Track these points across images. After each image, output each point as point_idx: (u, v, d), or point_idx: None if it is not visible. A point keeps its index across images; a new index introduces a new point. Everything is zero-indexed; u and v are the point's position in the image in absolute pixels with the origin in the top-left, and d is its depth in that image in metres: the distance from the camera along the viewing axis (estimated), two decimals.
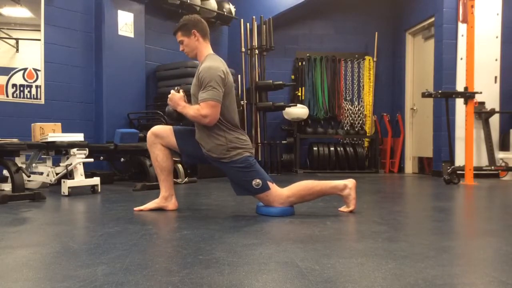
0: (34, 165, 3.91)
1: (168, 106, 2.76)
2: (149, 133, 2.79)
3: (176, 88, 2.77)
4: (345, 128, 6.99)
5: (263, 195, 2.61)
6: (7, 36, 4.59)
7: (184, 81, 5.37)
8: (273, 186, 2.62)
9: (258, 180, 2.58)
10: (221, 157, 2.63)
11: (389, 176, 6.18)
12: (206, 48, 2.78)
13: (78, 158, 3.68)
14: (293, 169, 6.64)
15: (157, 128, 2.80)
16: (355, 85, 7.14)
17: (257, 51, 6.45)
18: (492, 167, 5.15)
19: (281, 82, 6.34)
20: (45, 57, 4.70)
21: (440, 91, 5.13)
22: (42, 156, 3.91)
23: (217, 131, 2.63)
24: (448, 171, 4.72)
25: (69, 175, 3.65)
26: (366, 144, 7.06)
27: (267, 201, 2.63)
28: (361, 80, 7.13)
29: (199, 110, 2.58)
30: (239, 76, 6.29)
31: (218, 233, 2.11)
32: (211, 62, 2.66)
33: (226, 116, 2.66)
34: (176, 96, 2.70)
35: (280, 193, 2.62)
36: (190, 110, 2.64)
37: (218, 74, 2.59)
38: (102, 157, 4.60)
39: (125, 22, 5.21)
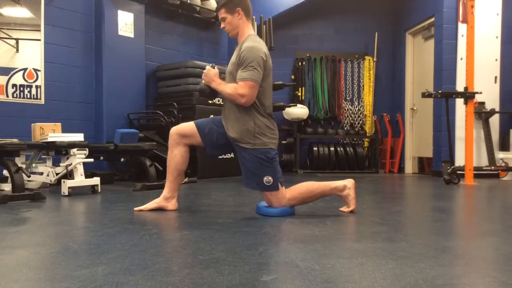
0: (34, 165, 3.91)
1: (202, 82, 2.70)
2: (173, 132, 2.73)
3: (211, 64, 2.73)
4: (345, 128, 6.99)
5: (269, 194, 2.61)
6: (7, 36, 4.59)
7: (184, 81, 5.38)
8: (281, 189, 2.62)
9: (270, 178, 2.56)
10: (244, 142, 2.59)
11: (389, 176, 6.17)
12: (248, 28, 2.73)
13: (78, 158, 3.68)
14: (293, 169, 6.64)
15: (182, 127, 2.74)
16: (355, 85, 7.14)
17: None
18: (492, 167, 5.14)
19: (281, 82, 6.30)
20: (45, 57, 4.70)
21: (440, 91, 5.13)
22: (42, 156, 3.91)
23: (248, 113, 2.59)
24: (448, 171, 4.72)
25: (69, 175, 3.65)
26: (366, 144, 7.07)
27: (269, 200, 2.63)
28: (361, 80, 7.13)
29: (237, 88, 2.54)
30: None
31: (218, 233, 2.11)
32: (254, 43, 2.61)
33: (261, 100, 2.61)
34: (211, 72, 2.66)
35: (283, 195, 2.62)
36: (227, 88, 2.60)
37: (260, 55, 2.55)
38: (102, 157, 4.59)
39: (125, 22, 5.21)
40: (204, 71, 2.69)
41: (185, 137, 2.71)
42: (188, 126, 2.74)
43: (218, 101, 5.51)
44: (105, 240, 1.93)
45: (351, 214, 2.68)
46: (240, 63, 2.56)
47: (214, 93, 2.69)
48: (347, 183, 2.69)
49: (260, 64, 2.54)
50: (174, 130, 2.74)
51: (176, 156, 2.71)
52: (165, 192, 2.79)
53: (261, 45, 2.63)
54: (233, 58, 2.67)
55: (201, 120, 2.79)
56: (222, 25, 2.75)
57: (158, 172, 4.30)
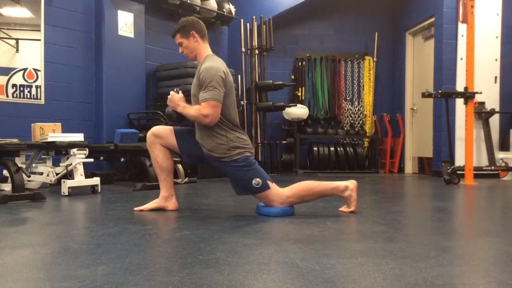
0: (34, 165, 3.91)
1: (168, 107, 2.77)
2: (149, 134, 2.80)
3: (175, 89, 2.79)
4: (345, 128, 6.99)
5: (263, 194, 2.61)
6: (7, 36, 4.59)
7: (184, 81, 5.37)
8: (273, 186, 2.63)
9: (258, 179, 2.60)
10: (221, 157, 2.63)
11: (389, 176, 6.17)
12: (205, 49, 2.81)
13: (78, 158, 3.68)
14: (293, 169, 6.64)
15: (157, 129, 2.81)
16: (355, 85, 7.14)
17: (257, 51, 6.45)
18: (492, 167, 5.14)
19: (281, 82, 6.34)
20: (45, 57, 4.70)
21: (440, 91, 5.13)
22: (42, 156, 3.91)
23: (218, 130, 2.64)
24: (448, 171, 4.72)
25: (69, 175, 3.65)
26: (366, 144, 7.06)
27: (267, 201, 2.63)
28: (361, 80, 7.13)
29: (200, 110, 2.59)
30: (239, 76, 6.29)
31: (218, 233, 2.11)
32: (212, 63, 2.68)
33: (227, 116, 2.67)
34: (175, 97, 2.71)
35: (280, 192, 2.63)
36: (191, 110, 2.65)
37: (219, 75, 2.61)
38: (102, 157, 4.60)
39: (125, 22, 5.21)
40: (168, 96, 2.74)
41: (160, 138, 2.76)
42: (164, 128, 2.82)
43: None
44: (105, 240, 1.93)
45: (351, 214, 2.68)
46: (201, 84, 2.63)
47: (181, 117, 2.74)
48: (350, 184, 2.69)
49: (220, 83, 2.60)
50: (150, 131, 2.80)
51: (158, 156, 2.77)
52: (162, 192, 2.82)
53: (219, 64, 2.69)
54: (194, 80, 2.74)
55: (182, 128, 2.86)
56: (180, 50, 2.84)
57: None
